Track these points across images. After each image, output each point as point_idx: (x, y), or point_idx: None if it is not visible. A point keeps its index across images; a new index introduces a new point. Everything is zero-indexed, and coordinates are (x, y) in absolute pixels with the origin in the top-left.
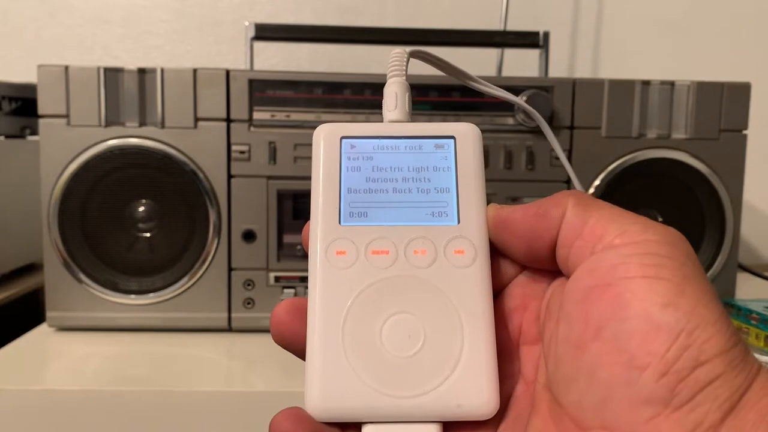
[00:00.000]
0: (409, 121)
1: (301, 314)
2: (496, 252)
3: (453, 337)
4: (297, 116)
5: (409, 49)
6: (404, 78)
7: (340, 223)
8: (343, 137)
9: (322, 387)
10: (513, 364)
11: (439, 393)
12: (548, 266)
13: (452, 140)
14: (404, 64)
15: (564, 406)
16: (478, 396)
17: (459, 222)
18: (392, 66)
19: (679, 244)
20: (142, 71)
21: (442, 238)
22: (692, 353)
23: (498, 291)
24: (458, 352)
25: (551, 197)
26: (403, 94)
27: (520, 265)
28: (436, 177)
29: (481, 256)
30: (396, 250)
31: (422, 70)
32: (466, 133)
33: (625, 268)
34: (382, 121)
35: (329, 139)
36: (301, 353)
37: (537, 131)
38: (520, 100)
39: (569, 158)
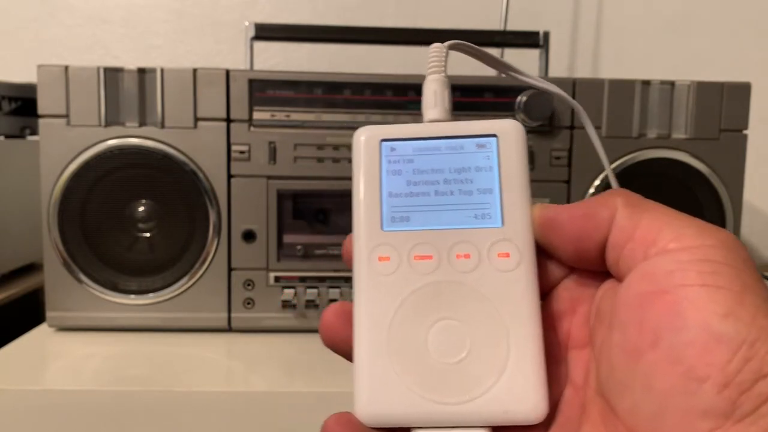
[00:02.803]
0: (449, 120)
1: (348, 318)
2: (543, 253)
3: (499, 342)
4: (297, 116)
5: (448, 42)
6: (444, 74)
7: (382, 228)
8: (383, 140)
9: (371, 393)
10: (561, 368)
11: (487, 399)
12: (596, 267)
13: (494, 138)
14: (443, 59)
15: (618, 413)
16: (525, 401)
17: (503, 224)
18: (431, 62)
19: (736, 250)
20: (142, 71)
21: (485, 241)
22: (754, 365)
23: (545, 293)
24: (504, 357)
25: (599, 197)
26: (443, 91)
27: (567, 266)
28: (478, 177)
29: (526, 258)
30: (439, 255)
31: (422, 70)
32: (508, 131)
33: (682, 275)
34: (379, 123)
35: (369, 142)
36: (348, 356)
37: (537, 131)
38: (562, 92)
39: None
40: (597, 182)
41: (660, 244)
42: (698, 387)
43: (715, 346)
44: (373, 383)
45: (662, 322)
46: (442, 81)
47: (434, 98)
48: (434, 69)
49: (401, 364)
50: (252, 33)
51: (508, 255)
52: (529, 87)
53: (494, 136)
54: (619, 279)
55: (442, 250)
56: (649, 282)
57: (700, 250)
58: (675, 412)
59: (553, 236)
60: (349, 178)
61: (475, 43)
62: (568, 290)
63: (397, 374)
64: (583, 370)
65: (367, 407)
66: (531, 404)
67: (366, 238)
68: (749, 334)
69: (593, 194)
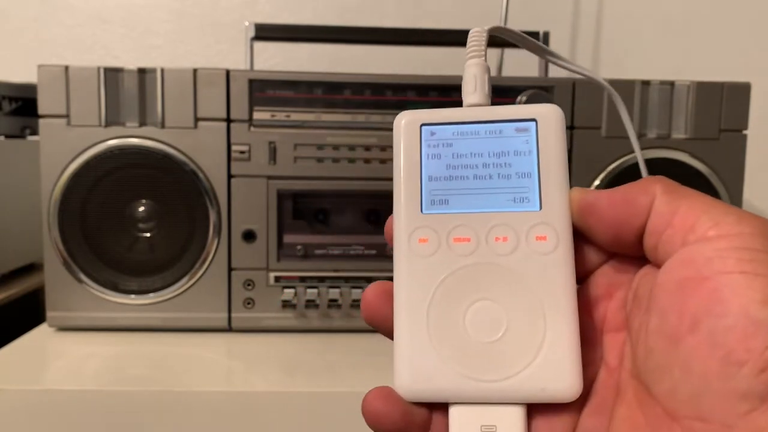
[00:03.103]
0: (489, 104)
1: (388, 297)
2: (580, 238)
3: (535, 323)
4: (297, 116)
5: (488, 26)
6: (484, 59)
7: (421, 211)
8: (423, 124)
9: (411, 370)
10: (596, 350)
11: (523, 377)
12: (634, 252)
13: (534, 123)
14: (483, 44)
15: (655, 395)
16: (561, 380)
17: (541, 208)
18: (471, 47)
19: None
20: (142, 71)
21: (523, 224)
22: None
23: (583, 279)
24: (541, 337)
25: (637, 183)
26: (483, 76)
27: (605, 252)
28: (517, 161)
29: (563, 242)
30: (477, 238)
31: (422, 70)
32: (548, 115)
33: (721, 262)
34: (379, 123)
35: (409, 126)
36: (388, 333)
37: None
38: (600, 78)
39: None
40: (597, 182)
41: (699, 231)
42: (737, 371)
43: (754, 332)
44: (413, 360)
45: (702, 308)
46: (482, 65)
47: (474, 83)
48: (474, 54)
49: (440, 342)
50: (252, 33)
51: (545, 238)
52: (531, 84)
53: (533, 120)
54: (657, 265)
55: (481, 232)
56: (689, 268)
57: (739, 237)
58: (714, 394)
59: (592, 221)
60: (349, 179)
61: None
62: (606, 276)
63: (436, 352)
64: (618, 353)
65: (406, 383)
66: (567, 383)
67: (406, 221)
68: None
69: None
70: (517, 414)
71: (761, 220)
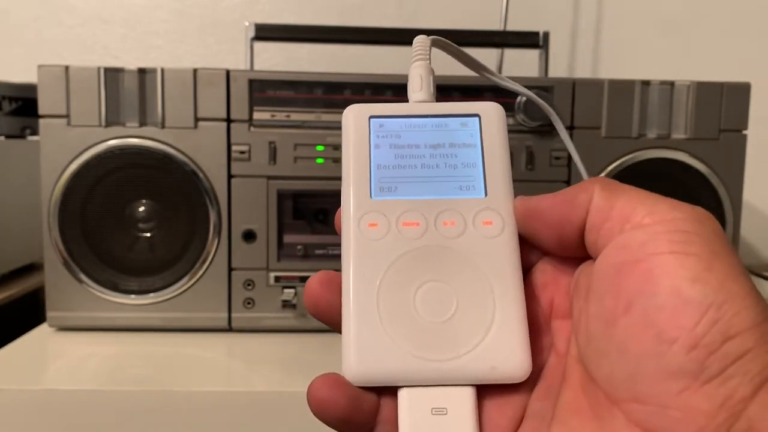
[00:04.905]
0: (433, 102)
1: (333, 286)
2: (525, 242)
3: (484, 302)
4: (297, 116)
5: (431, 37)
6: (428, 61)
7: (371, 197)
8: (371, 116)
9: (359, 353)
10: (545, 337)
11: (473, 356)
12: (579, 253)
13: (477, 118)
14: (427, 49)
15: (596, 379)
16: (511, 358)
17: (486, 195)
18: (416, 50)
19: (707, 222)
20: (142, 71)
21: (470, 209)
22: (721, 327)
23: (528, 268)
24: (490, 316)
25: (577, 185)
26: (428, 76)
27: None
28: (462, 153)
29: (508, 226)
30: (426, 222)
31: None
32: (490, 111)
33: (653, 244)
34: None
35: (358, 118)
36: (333, 323)
37: (537, 131)
38: (531, 93)
39: (569, 158)
40: None
41: (635, 219)
42: (668, 349)
43: (683, 310)
44: (362, 343)
45: (635, 289)
46: (427, 67)
47: (420, 82)
48: (419, 56)
49: (390, 323)
50: (252, 33)
51: (491, 223)
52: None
53: (477, 116)
54: (597, 257)
55: (429, 217)
56: (624, 253)
57: (672, 222)
58: (648, 373)
59: (536, 224)
60: None
61: (475, 44)
62: (552, 264)
63: (385, 333)
64: (566, 338)
65: (355, 366)
66: (516, 361)
67: (356, 206)
68: (717, 298)
69: None
70: (468, 395)
71: (695, 207)
